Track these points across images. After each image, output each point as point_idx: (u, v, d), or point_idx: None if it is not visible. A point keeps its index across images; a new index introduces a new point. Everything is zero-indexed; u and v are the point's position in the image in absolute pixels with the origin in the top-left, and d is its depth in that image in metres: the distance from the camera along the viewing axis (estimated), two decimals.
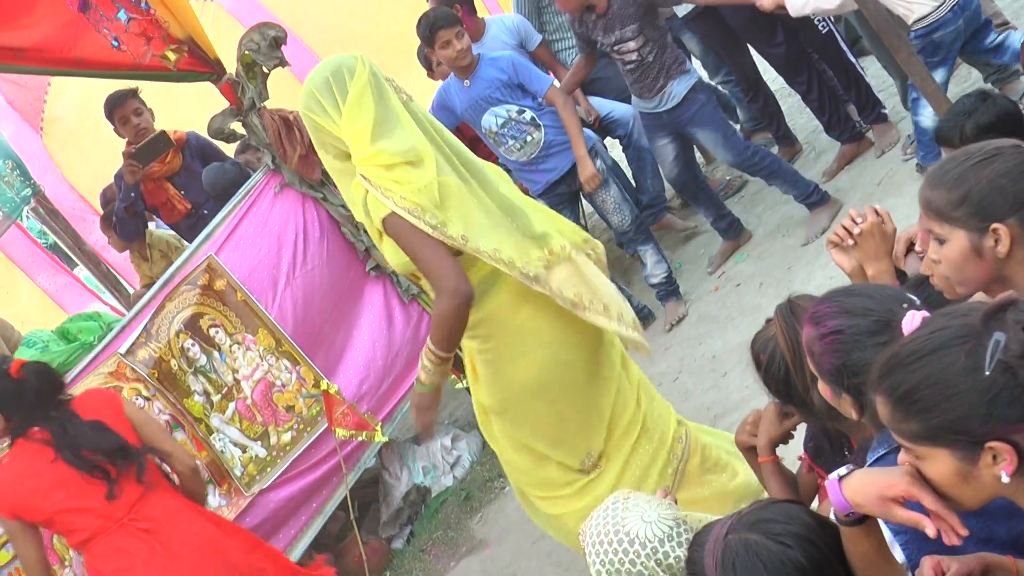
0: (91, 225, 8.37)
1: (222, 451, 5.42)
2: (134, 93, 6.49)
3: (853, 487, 2.03)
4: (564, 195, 6.18)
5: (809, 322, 2.44)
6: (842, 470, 2.08)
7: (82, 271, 8.96)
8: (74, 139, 8.35)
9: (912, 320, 2.24)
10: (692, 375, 5.68)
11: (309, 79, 3.76)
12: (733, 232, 6.44)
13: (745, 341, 5.41)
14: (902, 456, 1.98)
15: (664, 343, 6.15)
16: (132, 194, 6.57)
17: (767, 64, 6.77)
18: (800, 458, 3.25)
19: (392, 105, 3.69)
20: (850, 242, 2.93)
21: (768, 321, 2.97)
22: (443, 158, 3.72)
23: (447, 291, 3.60)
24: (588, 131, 6.23)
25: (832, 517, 2.10)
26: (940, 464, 1.89)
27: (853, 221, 2.93)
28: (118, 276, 8.20)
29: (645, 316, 6.41)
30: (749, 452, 3.32)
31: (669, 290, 6.31)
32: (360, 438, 5.53)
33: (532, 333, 3.86)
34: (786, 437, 3.19)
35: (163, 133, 6.38)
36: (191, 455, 4.91)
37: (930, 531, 1.92)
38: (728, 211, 6.51)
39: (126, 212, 6.69)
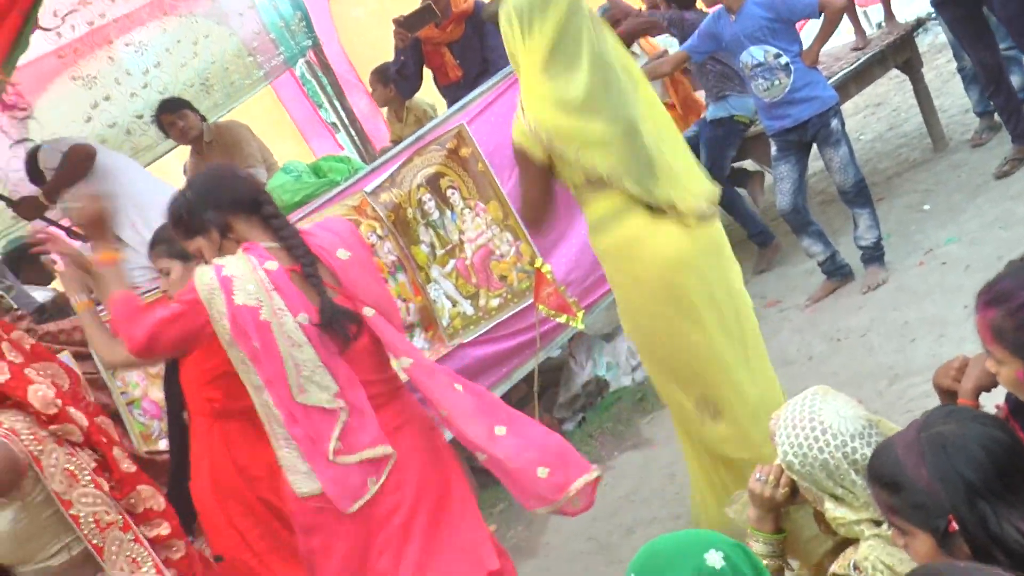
0: (354, 91, 8.56)
1: (435, 300, 5.50)
2: None
3: None
4: (792, 143, 6.01)
5: (991, 305, 2.33)
6: None
7: (342, 136, 9.15)
8: (357, 9, 8.51)
9: None
10: (880, 335, 5.47)
11: None
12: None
13: (940, 315, 5.29)
14: None
15: (858, 303, 5.94)
16: (402, 57, 6.69)
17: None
18: (997, 407, 3.10)
19: (578, 47, 3.63)
20: None
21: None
22: (611, 108, 3.66)
23: (521, 210, 4.08)
24: (834, 92, 6.03)
25: None
26: None
27: None
28: (369, 140, 8.37)
29: (846, 274, 6.22)
30: (946, 395, 3.18)
31: (875, 255, 6.09)
32: (559, 320, 5.51)
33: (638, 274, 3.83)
34: (991, 386, 3.06)
35: (430, 6, 6.41)
36: None
37: None
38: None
39: (397, 74, 6.86)
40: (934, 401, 3.35)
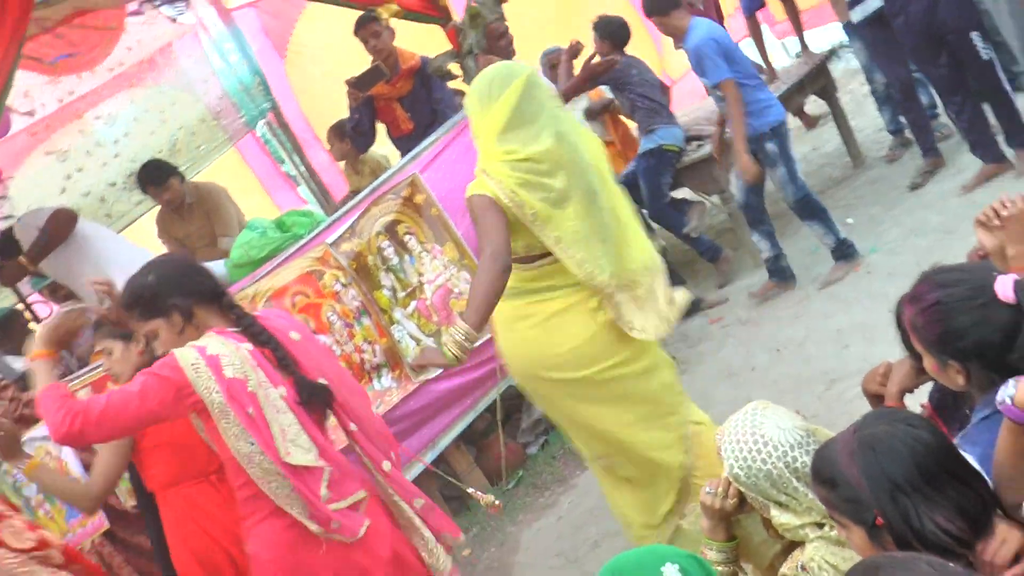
0: (312, 147, 8.53)
1: (399, 340, 5.47)
2: (373, 18, 6.40)
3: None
4: None
5: (909, 303, 2.40)
6: (1011, 389, 2.00)
7: (303, 188, 9.10)
8: (311, 70, 8.48)
9: (1004, 284, 2.18)
10: (816, 344, 5.51)
11: (481, 74, 3.75)
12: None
13: (869, 321, 5.34)
14: None
15: (795, 313, 5.99)
16: (356, 115, 6.69)
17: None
18: (922, 406, 3.12)
19: (537, 115, 3.61)
20: (996, 223, 2.80)
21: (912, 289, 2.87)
22: (568, 172, 3.62)
23: (491, 252, 3.49)
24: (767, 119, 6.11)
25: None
26: None
27: (1004, 204, 2.79)
28: (328, 192, 8.35)
29: (787, 277, 6.31)
30: (874, 399, 3.20)
31: (840, 254, 6.12)
32: None
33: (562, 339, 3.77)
34: (914, 388, 3.08)
35: (379, 66, 6.42)
36: None
37: None
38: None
39: (353, 131, 6.87)
40: (868, 405, 3.39)
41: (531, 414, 6.10)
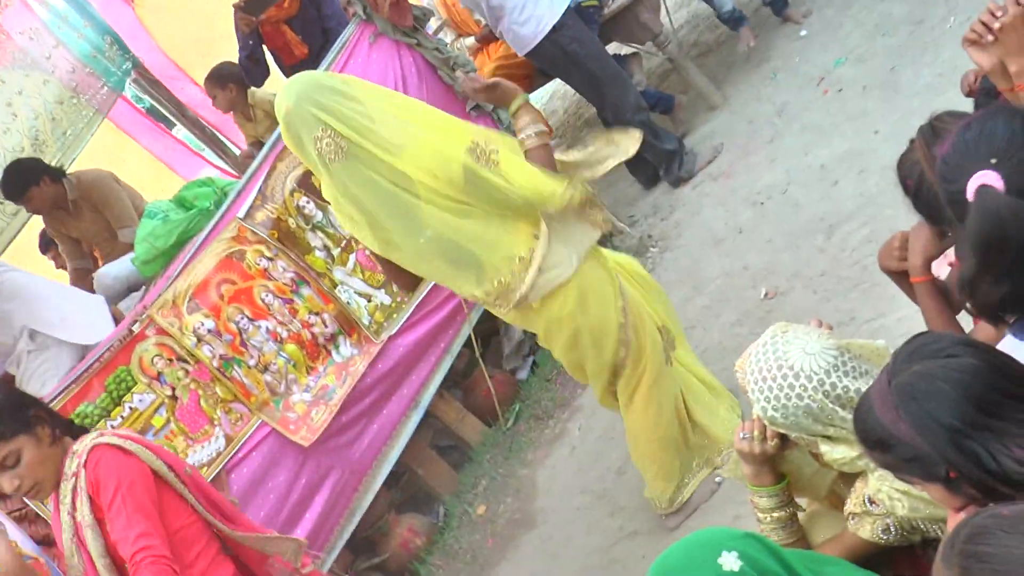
0: (186, 90, 8.10)
1: (348, 302, 5.22)
2: None
3: None
4: None
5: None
6: None
7: (181, 131, 8.66)
8: (164, 7, 7.99)
9: None
10: (801, 186, 5.29)
11: None
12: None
13: (854, 148, 5.12)
14: None
15: (769, 155, 5.75)
16: (251, 42, 6.34)
17: None
18: (951, 264, 2.94)
19: (318, 170, 3.69)
20: (990, 38, 2.56)
21: (911, 142, 2.65)
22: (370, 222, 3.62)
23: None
24: None
25: None
26: None
27: (992, 15, 2.55)
28: (220, 135, 7.97)
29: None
30: (898, 276, 3.00)
31: (734, 18, 6.67)
32: None
33: None
34: (938, 254, 2.89)
35: None
36: None
37: None
38: None
39: (248, 60, 6.49)
40: (876, 245, 3.20)
41: (510, 337, 5.91)
